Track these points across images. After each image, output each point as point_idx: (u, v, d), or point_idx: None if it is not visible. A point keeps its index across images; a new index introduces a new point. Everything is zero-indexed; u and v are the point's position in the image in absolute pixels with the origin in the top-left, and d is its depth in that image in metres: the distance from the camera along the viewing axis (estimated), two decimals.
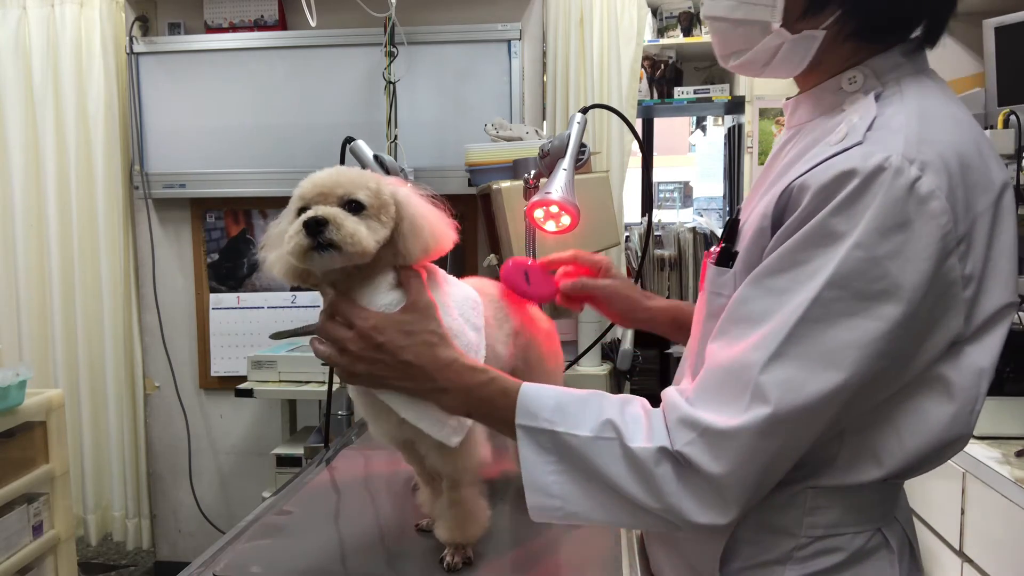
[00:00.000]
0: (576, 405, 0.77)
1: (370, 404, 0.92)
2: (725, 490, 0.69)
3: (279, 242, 0.87)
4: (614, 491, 0.73)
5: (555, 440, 0.75)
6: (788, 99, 0.85)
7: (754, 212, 0.77)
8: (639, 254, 3.11)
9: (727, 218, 0.93)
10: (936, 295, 0.66)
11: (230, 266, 2.97)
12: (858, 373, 0.66)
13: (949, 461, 1.63)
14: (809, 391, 0.66)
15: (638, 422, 0.74)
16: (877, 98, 0.73)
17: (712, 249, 0.82)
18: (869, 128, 0.69)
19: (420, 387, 0.83)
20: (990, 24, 2.17)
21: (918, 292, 0.65)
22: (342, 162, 1.55)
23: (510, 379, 0.82)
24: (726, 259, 0.78)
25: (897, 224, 0.64)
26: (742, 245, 0.76)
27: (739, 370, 0.68)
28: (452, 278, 0.99)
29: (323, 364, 0.96)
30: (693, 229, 3.23)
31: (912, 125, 0.68)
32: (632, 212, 3.61)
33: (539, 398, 0.78)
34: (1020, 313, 1.80)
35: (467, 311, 0.94)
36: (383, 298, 0.85)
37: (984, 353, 0.71)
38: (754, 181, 0.91)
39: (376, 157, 1.61)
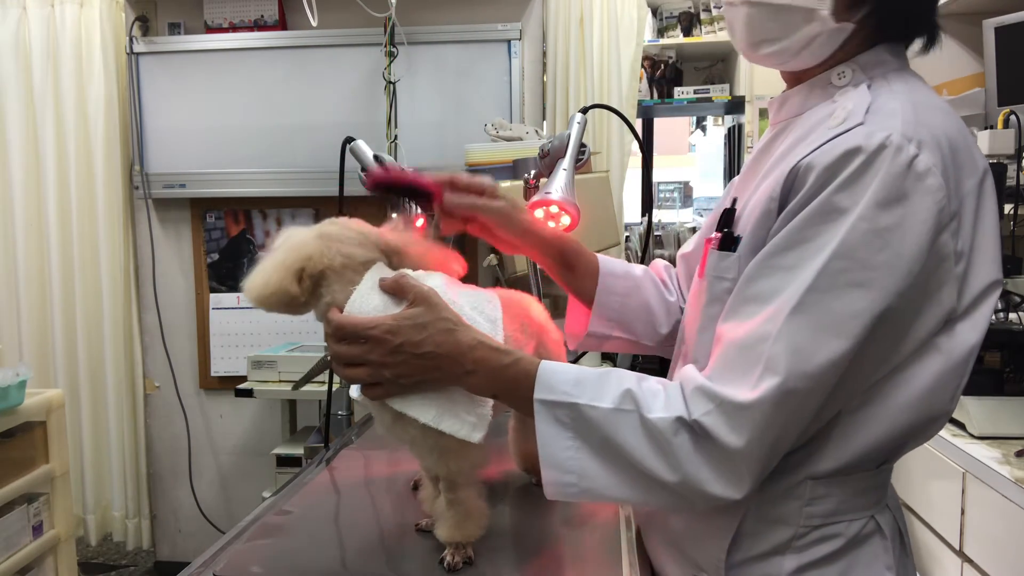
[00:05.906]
0: (595, 378, 0.78)
1: (371, 401, 0.91)
2: (742, 462, 0.71)
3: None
4: (631, 465, 0.74)
5: (574, 413, 0.76)
6: (773, 98, 0.88)
7: (755, 196, 0.79)
8: (639, 254, 3.11)
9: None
10: (931, 268, 0.70)
11: (230, 266, 2.97)
12: (860, 341, 0.69)
13: (949, 461, 1.64)
14: (818, 359, 0.69)
15: (656, 395, 0.76)
16: (868, 87, 0.76)
17: (712, 236, 0.83)
18: (867, 111, 0.72)
19: (449, 374, 0.81)
20: (990, 24, 2.17)
21: (916, 263, 0.68)
22: (342, 162, 1.54)
23: (533, 359, 0.82)
24: (729, 244, 0.80)
25: (897, 198, 0.68)
26: (745, 229, 0.78)
27: (752, 344, 0.71)
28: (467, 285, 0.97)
29: (355, 391, 0.91)
30: (693, 229, 3.24)
31: (907, 109, 0.72)
32: (632, 212, 3.61)
33: (558, 372, 0.79)
34: (1021, 313, 1.79)
35: (481, 303, 0.92)
36: (369, 302, 0.83)
37: (974, 330, 0.75)
38: (742, 171, 0.93)
39: (376, 157, 1.60)
